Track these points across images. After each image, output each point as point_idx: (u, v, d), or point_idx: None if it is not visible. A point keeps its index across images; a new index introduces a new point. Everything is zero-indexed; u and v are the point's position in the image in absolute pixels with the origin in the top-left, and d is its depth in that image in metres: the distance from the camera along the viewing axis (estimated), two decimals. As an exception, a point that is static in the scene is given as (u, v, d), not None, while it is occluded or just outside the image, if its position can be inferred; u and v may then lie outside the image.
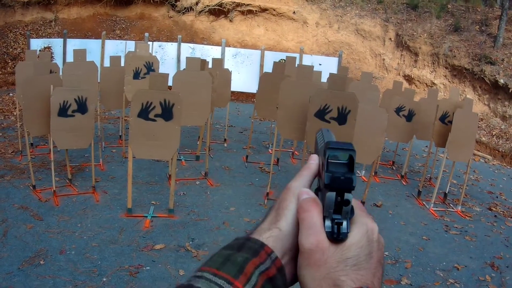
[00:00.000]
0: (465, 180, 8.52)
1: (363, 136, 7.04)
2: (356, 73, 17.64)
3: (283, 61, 14.99)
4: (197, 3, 18.89)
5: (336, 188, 0.76)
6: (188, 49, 15.33)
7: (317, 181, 0.88)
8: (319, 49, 18.36)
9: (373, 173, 8.76)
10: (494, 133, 14.71)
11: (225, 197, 7.54)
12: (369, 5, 19.21)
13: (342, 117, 6.72)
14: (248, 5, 18.90)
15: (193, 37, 18.29)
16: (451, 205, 8.51)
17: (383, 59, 18.43)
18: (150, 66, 8.40)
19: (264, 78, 8.82)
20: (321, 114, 6.69)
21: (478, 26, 17.56)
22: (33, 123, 6.82)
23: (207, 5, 18.85)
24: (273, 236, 0.80)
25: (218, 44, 16.95)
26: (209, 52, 15.31)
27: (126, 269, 5.26)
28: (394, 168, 10.24)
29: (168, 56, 14.97)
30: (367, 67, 18.18)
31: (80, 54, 8.04)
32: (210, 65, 9.50)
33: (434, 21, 18.01)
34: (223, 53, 15.27)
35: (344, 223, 0.77)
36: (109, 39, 16.29)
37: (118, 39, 16.79)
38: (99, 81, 8.45)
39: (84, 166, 8.07)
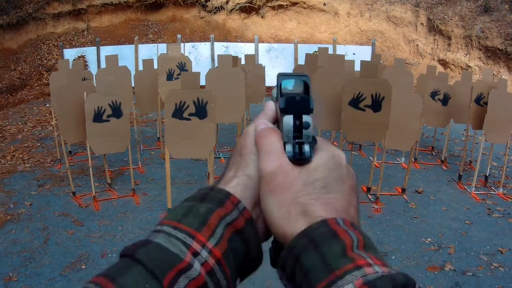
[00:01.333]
0: (505, 162, 8.34)
1: (399, 123, 7.01)
2: (390, 61, 17.42)
3: (316, 53, 14.96)
4: (227, 2, 18.96)
5: (293, 110, 0.71)
6: (222, 48, 15.37)
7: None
8: (352, 39, 18.24)
9: (413, 159, 8.68)
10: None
11: None
12: (399, -10, 18.95)
13: (376, 104, 6.69)
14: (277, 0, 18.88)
15: (226, 36, 18.35)
16: (492, 188, 8.34)
17: (417, 45, 18.19)
18: (183, 67, 8.47)
19: (297, 70, 8.75)
20: (355, 102, 6.69)
21: (508, 5, 17.14)
22: (69, 131, 6.96)
23: (238, 3, 18.91)
24: (241, 184, 0.74)
25: (251, 41, 16.92)
26: (242, 49, 15.29)
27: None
28: (434, 154, 10.11)
29: (202, 56, 15.01)
30: (401, 54, 17.97)
31: (112, 59, 8.16)
32: (243, 62, 9.49)
33: (464, 3, 17.65)
34: (256, 49, 15.24)
35: (306, 146, 0.71)
36: (142, 43, 16.44)
37: (152, 43, 16.93)
38: (133, 85, 8.49)
39: (123, 170, 8.18)
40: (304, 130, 0.70)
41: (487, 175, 8.48)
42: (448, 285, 5.35)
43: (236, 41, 17.12)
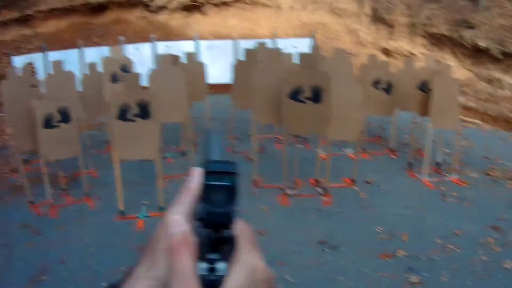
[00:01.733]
0: (456, 147, 8.49)
1: (342, 113, 7.05)
2: (332, 52, 17.70)
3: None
4: (169, 1, 18.91)
5: (212, 224, 0.68)
6: (164, 47, 15.33)
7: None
8: (293, 32, 18.27)
9: (360, 150, 8.77)
10: (482, 97, 14.70)
11: None
12: (345, -17, 19.16)
13: (316, 96, 6.75)
14: (221, -4, 18.97)
15: (169, 35, 18.25)
16: (446, 174, 8.42)
17: (358, 35, 18.44)
18: (125, 69, 8.48)
19: (236, 66, 8.89)
20: (294, 95, 6.75)
21: None
22: (23, 139, 6.96)
23: (180, 1, 18.85)
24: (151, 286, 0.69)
25: (191, 38, 16.97)
26: (184, 48, 15.33)
27: (122, 271, 5.31)
28: (382, 143, 10.23)
29: (145, 56, 14.93)
30: (342, 44, 18.03)
31: (57, 65, 8.11)
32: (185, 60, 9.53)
33: (412, -9, 17.96)
34: (197, 47, 15.30)
35: (221, 264, 0.66)
36: (88, 47, 16.30)
37: (96, 46, 16.80)
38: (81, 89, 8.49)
39: (77, 175, 8.11)
40: (223, 246, 0.68)
41: (438, 162, 8.59)
42: (401, 270, 5.42)
43: (178, 40, 17.06)
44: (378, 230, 6.31)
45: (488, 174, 8.61)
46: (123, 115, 6.29)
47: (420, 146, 9.37)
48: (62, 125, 6.75)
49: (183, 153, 8.67)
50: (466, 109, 13.95)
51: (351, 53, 16.63)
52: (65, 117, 6.78)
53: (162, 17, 19.06)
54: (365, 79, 8.93)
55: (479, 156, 9.79)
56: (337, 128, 7.13)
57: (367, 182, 7.98)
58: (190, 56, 9.76)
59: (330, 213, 6.82)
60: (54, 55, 14.27)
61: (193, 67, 9.42)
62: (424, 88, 8.26)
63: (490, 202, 7.38)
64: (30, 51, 16.54)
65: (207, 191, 0.70)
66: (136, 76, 6.56)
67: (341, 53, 9.13)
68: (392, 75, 9.08)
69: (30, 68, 9.38)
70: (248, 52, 8.52)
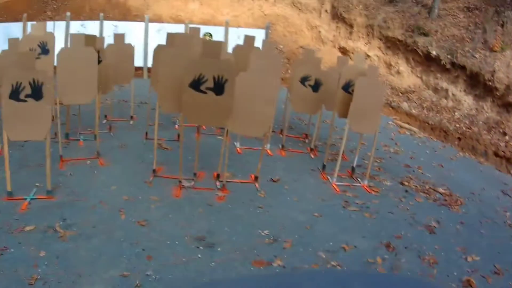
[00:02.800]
0: (372, 153, 8.37)
1: (251, 107, 6.96)
2: (292, 46, 17.65)
3: (209, 34, 14.97)
4: (130, -21, 18.70)
5: None
6: (111, 27, 15.07)
7: None
8: (254, 23, 18.23)
9: (266, 146, 8.74)
10: (425, 105, 14.72)
11: (111, 175, 7.44)
12: (307, -23, 19.09)
13: (219, 87, 6.61)
14: (182, -22, 18.76)
15: (126, 15, 18.05)
16: (358, 179, 8.34)
17: (319, 31, 18.40)
18: (45, 46, 8.28)
19: (156, 50, 8.61)
20: (196, 84, 6.56)
21: None
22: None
23: (141, -20, 18.66)
24: None
25: (152, 20, 16.76)
26: (134, 29, 15.15)
27: None
28: (307, 141, 10.10)
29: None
30: (303, 40, 18.17)
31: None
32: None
33: (371, -8, 17.95)
34: (146, 29, 15.08)
35: None
36: (40, 21, 16.00)
37: (50, 21, 16.51)
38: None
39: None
40: None
41: (354, 165, 8.48)
42: (270, 283, 5.23)
43: (136, 21, 16.80)
44: (262, 233, 6.14)
45: (402, 184, 8.54)
46: (15, 94, 6.10)
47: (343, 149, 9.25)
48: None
49: (95, 137, 8.42)
50: (407, 115, 13.98)
51: (310, 49, 16.63)
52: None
53: (121, -5, 18.81)
54: (296, 74, 8.87)
55: (401, 164, 9.75)
56: (244, 122, 7.03)
57: (273, 181, 7.86)
58: (119, 37, 9.54)
59: (220, 210, 6.68)
60: (-5, 26, 14.05)
61: (121, 49, 9.30)
62: (349, 88, 8.04)
63: (393, 215, 7.23)
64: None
65: None
66: (31, 55, 6.38)
67: (271, 46, 8.94)
68: (322, 72, 8.98)
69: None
70: (170, 36, 8.28)
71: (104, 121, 9.87)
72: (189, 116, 6.86)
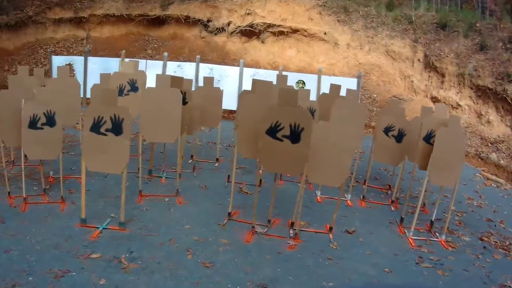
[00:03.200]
0: (451, 208, 7.96)
1: (329, 156, 6.85)
2: (385, 95, 17.49)
3: (302, 82, 15.08)
4: (228, 24, 19.21)
5: None
6: (206, 69, 15.50)
7: None
8: (349, 71, 18.22)
9: (347, 196, 8.66)
10: (514, 156, 14.12)
11: (186, 215, 7.57)
12: (400, 25, 18.92)
13: (295, 135, 6.56)
14: (279, 26, 19.09)
15: (225, 58, 18.55)
16: (436, 234, 7.93)
17: (412, 81, 18.11)
18: (134, 83, 8.68)
19: (241, 96, 8.71)
20: (272, 131, 6.57)
21: (502, 43, 16.89)
22: (8, 135, 7.28)
23: (239, 26, 19.15)
24: None
25: (249, 65, 17.16)
26: (227, 72, 15.51)
27: (54, 272, 5.47)
28: (389, 193, 9.76)
29: (186, 75, 15.06)
30: (396, 89, 17.97)
31: (63, 70, 8.50)
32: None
33: (462, 41, 17.49)
34: (241, 74, 15.38)
35: None
36: (141, 58, 16.77)
37: (150, 59, 17.25)
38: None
39: (66, 178, 8.33)
40: None
41: (433, 219, 8.14)
42: None
43: (234, 65, 17.18)
44: (326, 286, 5.93)
45: (481, 239, 8.07)
46: (96, 127, 6.44)
47: (425, 201, 8.99)
48: (47, 128, 7.00)
49: (180, 175, 8.63)
50: (495, 166, 13.42)
51: (403, 99, 16.42)
52: (50, 120, 7.02)
53: (220, 39, 19.41)
54: (380, 124, 8.73)
55: (483, 218, 9.22)
56: (322, 171, 6.93)
57: (348, 232, 7.64)
58: (207, 80, 9.81)
59: (288, 258, 6.54)
60: (94, 61, 14.81)
61: (210, 92, 9.54)
62: (429, 139, 7.75)
63: (467, 273, 6.78)
64: (80, 53, 17.06)
65: None
66: (114, 92, 6.67)
67: (354, 94, 8.91)
68: (405, 122, 8.75)
69: (66, 69, 9.53)
70: (254, 82, 8.37)
71: (190, 161, 10.10)
72: (264, 163, 6.85)
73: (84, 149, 6.57)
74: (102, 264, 5.78)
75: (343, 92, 9.34)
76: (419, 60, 18.21)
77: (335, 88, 9.31)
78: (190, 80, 9.63)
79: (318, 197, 8.83)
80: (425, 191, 7.99)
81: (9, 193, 7.51)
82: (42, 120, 6.98)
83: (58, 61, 15.32)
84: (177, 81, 8.22)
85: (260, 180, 8.94)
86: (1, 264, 5.58)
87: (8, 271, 5.44)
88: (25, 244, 6.11)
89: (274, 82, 8.86)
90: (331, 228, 7.44)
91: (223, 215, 7.60)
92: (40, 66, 16.78)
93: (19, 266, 5.57)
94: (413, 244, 7.49)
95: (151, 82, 8.69)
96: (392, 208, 8.96)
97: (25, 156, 7.35)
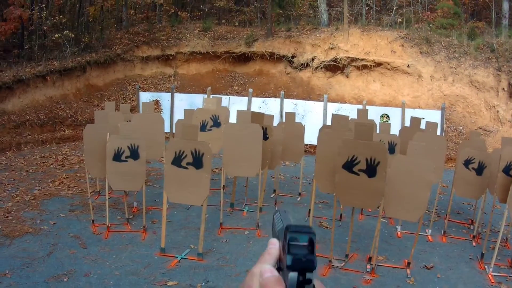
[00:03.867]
0: None
1: (405, 190, 6.75)
2: (471, 127, 17.07)
3: (386, 116, 15.00)
4: (313, 59, 19.43)
5: (298, 269, 0.82)
6: (291, 105, 15.67)
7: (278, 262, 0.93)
8: (434, 103, 17.88)
9: (428, 231, 8.44)
10: None
11: (265, 247, 7.58)
12: (482, 54, 18.46)
13: (371, 169, 6.55)
14: (362, 59, 19.16)
15: (310, 93, 18.75)
16: None
17: (497, 111, 17.58)
18: (217, 119, 8.97)
19: (321, 131, 8.76)
20: (349, 166, 6.60)
21: None
22: (93, 166, 7.75)
23: (323, 61, 19.35)
24: None
25: (334, 100, 17.27)
26: (311, 108, 15.62)
27: None
28: (472, 228, 9.39)
29: (271, 111, 15.26)
30: (482, 120, 17.48)
31: (148, 106, 8.95)
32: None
33: (547, 67, 16.97)
34: (325, 109, 15.43)
35: None
36: (227, 94, 17.20)
37: (236, 95, 17.66)
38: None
39: (150, 208, 8.69)
40: (306, 286, 0.82)
41: None
42: None
43: (319, 100, 17.26)
44: None
45: None
46: (177, 161, 6.75)
47: (507, 236, 8.71)
48: (130, 160, 7.37)
49: (260, 209, 8.73)
50: None
51: (488, 130, 15.99)
52: (134, 154, 7.40)
53: (304, 74, 19.64)
54: (460, 157, 8.55)
55: None
56: (397, 205, 6.85)
57: (426, 268, 7.43)
58: (289, 116, 9.98)
59: None
60: (181, 97, 15.31)
61: (291, 127, 9.69)
62: (509, 171, 7.55)
63: None
64: (167, 89, 17.65)
65: (291, 247, 0.86)
66: (195, 127, 7.01)
67: (433, 127, 8.81)
68: (486, 155, 8.52)
69: (151, 105, 9.98)
70: (333, 117, 8.45)
71: (272, 195, 10.20)
72: (341, 197, 6.90)
73: (166, 181, 6.89)
74: (178, 292, 5.98)
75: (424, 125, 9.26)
76: (503, 89, 17.70)
77: (415, 121, 9.28)
78: (271, 116, 9.77)
79: (398, 232, 8.72)
80: (507, 225, 7.77)
81: (93, 221, 7.96)
82: (126, 153, 7.38)
83: (145, 97, 15.98)
84: (258, 117, 8.45)
85: (341, 215, 9.04)
86: (80, 287, 5.94)
87: (87, 293, 5.76)
88: (105, 269, 6.47)
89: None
90: (409, 263, 7.29)
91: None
92: (128, 102, 17.62)
93: (97, 290, 5.89)
94: (492, 281, 7.21)
95: (234, 118, 8.86)
96: (474, 244, 8.65)
97: (110, 187, 7.76)
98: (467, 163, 8.42)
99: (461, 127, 17.36)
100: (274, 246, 0.93)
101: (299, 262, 0.81)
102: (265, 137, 8.35)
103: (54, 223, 8.03)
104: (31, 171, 11.44)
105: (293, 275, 0.81)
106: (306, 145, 11.08)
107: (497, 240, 7.91)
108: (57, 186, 10.08)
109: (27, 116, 15.97)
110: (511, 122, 17.14)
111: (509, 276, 7.39)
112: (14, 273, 6.21)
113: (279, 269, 0.89)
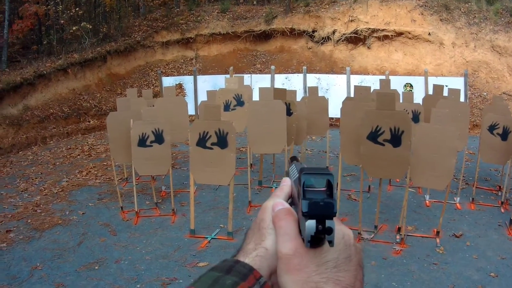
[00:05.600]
0: None
1: (432, 158, 6.67)
2: (495, 92, 16.77)
3: (409, 85, 14.85)
4: (334, 32, 19.26)
5: (316, 215, 0.73)
6: (314, 79, 15.56)
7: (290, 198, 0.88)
8: (457, 70, 17.58)
9: (456, 199, 8.41)
10: None
11: None
12: (502, 19, 18.13)
13: (396, 139, 6.49)
14: (383, 30, 18.90)
15: (333, 67, 18.60)
16: None
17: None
18: (240, 98, 8.99)
19: (344, 103, 8.73)
20: (373, 136, 6.56)
21: None
22: (118, 153, 7.83)
23: (344, 34, 19.16)
24: (260, 255, 0.81)
25: (357, 72, 17.15)
26: (334, 81, 15.52)
27: (161, 280, 5.84)
28: (499, 194, 9.22)
29: (294, 87, 15.09)
30: (506, 85, 17.16)
31: (170, 90, 9.00)
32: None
33: None
34: (348, 81, 15.30)
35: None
36: (250, 73, 17.16)
37: (258, 73, 17.62)
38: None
39: (178, 192, 8.76)
40: (326, 236, 0.73)
41: None
42: None
43: (342, 73, 17.09)
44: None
45: None
46: (202, 142, 6.80)
47: None
48: (155, 145, 7.42)
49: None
50: None
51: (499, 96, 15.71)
52: (159, 138, 7.43)
53: (326, 48, 19.47)
54: (484, 122, 8.45)
55: None
56: (423, 174, 6.79)
57: (455, 236, 7.38)
58: (312, 90, 9.92)
59: (393, 264, 6.44)
60: (204, 79, 15.29)
61: (315, 101, 9.63)
62: None
63: None
64: (190, 72, 17.65)
65: (307, 192, 0.76)
66: (217, 107, 7.03)
67: (456, 93, 8.67)
68: (510, 119, 8.39)
69: (172, 89, 9.96)
70: (356, 89, 8.35)
71: (299, 170, 10.13)
72: (367, 168, 6.87)
73: (192, 163, 6.94)
74: (208, 272, 6.02)
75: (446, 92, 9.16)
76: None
77: (438, 88, 9.17)
78: (294, 91, 9.76)
79: (427, 201, 8.65)
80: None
81: (122, 207, 8.07)
82: (151, 138, 7.42)
83: (168, 81, 16.03)
84: (280, 93, 8.43)
85: (369, 187, 9.00)
86: (112, 273, 6.04)
87: (117, 279, 5.89)
88: (135, 254, 6.56)
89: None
90: (438, 232, 7.25)
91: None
92: (151, 87, 17.57)
93: (129, 274, 6.01)
94: (521, 247, 7.17)
95: (257, 96, 8.84)
96: (502, 210, 8.52)
97: (137, 173, 7.85)
98: (491, 128, 8.32)
99: (485, 93, 17.08)
100: (286, 183, 0.90)
101: (316, 207, 0.72)
102: (289, 113, 8.32)
103: (83, 213, 8.14)
104: (58, 163, 11.58)
105: (310, 223, 0.72)
106: (331, 118, 11.00)
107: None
108: (84, 176, 10.21)
109: (51, 110, 16.10)
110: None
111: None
112: (45, 265, 6.32)
113: (291, 204, 0.85)
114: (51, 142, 14.42)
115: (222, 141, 6.77)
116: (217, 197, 8.67)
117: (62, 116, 16.09)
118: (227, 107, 8.96)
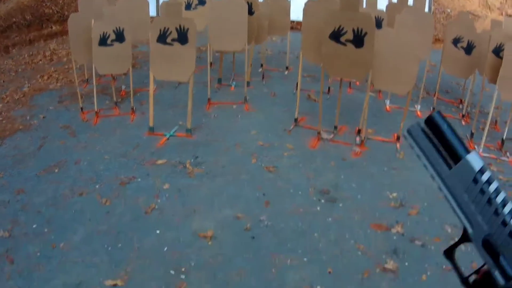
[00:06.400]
0: None
1: (394, 64, 6.63)
2: (459, 10, 16.75)
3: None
4: None
5: None
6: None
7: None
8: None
9: (417, 107, 8.51)
10: None
11: (253, 121, 7.66)
12: None
13: (358, 40, 6.43)
14: None
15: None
16: (507, 153, 7.48)
17: (486, -3, 17.30)
18: (202, -3, 8.86)
19: (308, 4, 8.12)
20: (335, 36, 6.49)
21: None
22: (79, 53, 7.62)
23: None
24: None
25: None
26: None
27: (120, 179, 5.82)
28: (461, 107, 9.32)
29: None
30: (471, 5, 17.14)
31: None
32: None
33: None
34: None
35: None
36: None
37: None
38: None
39: (138, 90, 8.60)
40: None
41: (504, 137, 7.66)
42: (383, 248, 4.88)
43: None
44: (390, 196, 5.77)
45: None
46: (162, 38, 6.69)
47: (497, 118, 8.63)
48: (116, 44, 7.29)
49: (248, 83, 8.70)
50: None
51: (476, 15, 15.73)
52: (120, 37, 7.29)
53: None
54: (448, 35, 8.40)
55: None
56: (386, 78, 6.77)
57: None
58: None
59: (352, 165, 6.48)
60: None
61: (277, 2, 9.54)
62: (499, 52, 7.38)
63: None
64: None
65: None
66: (178, 5, 6.92)
67: (421, 2, 8.70)
68: (475, 34, 8.31)
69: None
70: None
71: (260, 69, 10.05)
72: (328, 67, 6.83)
73: (152, 59, 6.84)
74: (167, 170, 6.06)
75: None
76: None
77: (403, -3, 9.07)
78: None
79: (387, 106, 8.72)
80: (496, 108, 7.79)
81: (82, 108, 7.90)
82: (112, 37, 7.24)
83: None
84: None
85: (329, 88, 9.01)
86: (71, 175, 5.99)
87: (77, 181, 5.85)
88: (95, 154, 6.50)
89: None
90: (398, 138, 7.27)
91: (290, 121, 7.59)
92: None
93: (88, 175, 5.97)
94: (482, 160, 7.24)
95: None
96: (463, 123, 8.64)
97: (98, 74, 7.73)
98: (455, 42, 8.27)
99: (449, 10, 16.98)
100: None
101: None
102: (251, 12, 8.21)
103: (44, 117, 7.97)
104: (20, 70, 11.28)
105: None
106: (293, 21, 10.81)
107: (486, 121, 7.90)
108: (46, 80, 9.97)
109: (13, 19, 15.57)
110: (500, 9, 16.83)
111: (499, 159, 7.37)
112: (6, 172, 6.21)
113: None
114: (13, 50, 14.04)
115: (182, 37, 6.67)
116: (177, 95, 8.53)
117: (24, 24, 15.61)
118: (188, 6, 8.78)
